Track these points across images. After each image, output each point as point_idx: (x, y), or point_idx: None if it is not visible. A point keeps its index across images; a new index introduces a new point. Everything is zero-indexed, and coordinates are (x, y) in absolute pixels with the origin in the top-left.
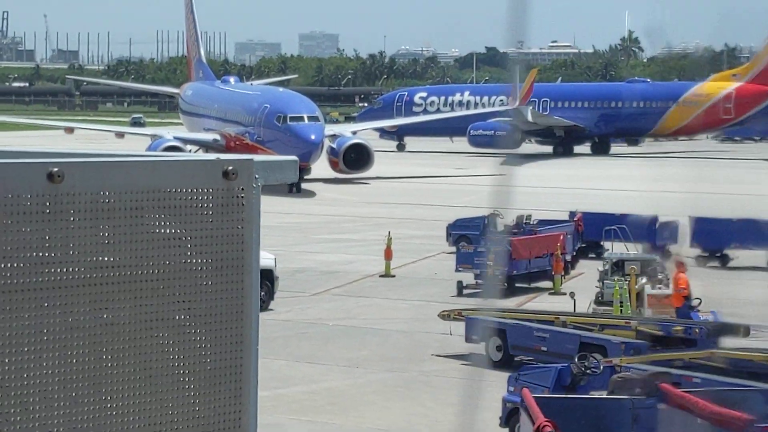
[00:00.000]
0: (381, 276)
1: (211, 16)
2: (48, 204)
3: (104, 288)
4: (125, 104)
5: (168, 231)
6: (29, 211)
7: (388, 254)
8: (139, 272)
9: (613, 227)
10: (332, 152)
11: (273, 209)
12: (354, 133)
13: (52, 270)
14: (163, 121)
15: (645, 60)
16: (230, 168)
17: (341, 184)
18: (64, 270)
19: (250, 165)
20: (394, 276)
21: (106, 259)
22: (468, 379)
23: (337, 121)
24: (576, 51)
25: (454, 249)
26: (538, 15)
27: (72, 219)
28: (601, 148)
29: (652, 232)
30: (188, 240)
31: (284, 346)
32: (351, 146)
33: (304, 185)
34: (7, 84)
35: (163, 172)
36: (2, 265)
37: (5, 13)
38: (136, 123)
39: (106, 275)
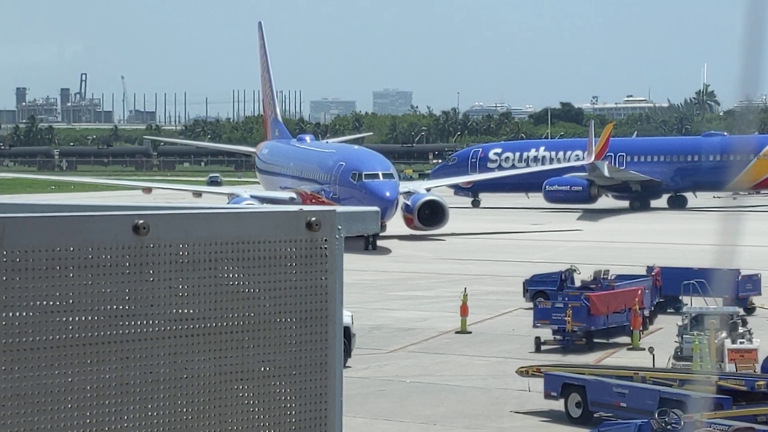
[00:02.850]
0: (457, 332)
1: (287, 76)
2: (133, 256)
3: (186, 340)
4: (202, 164)
5: (251, 282)
6: (113, 263)
7: (464, 310)
8: (222, 324)
9: (691, 281)
10: (407, 209)
11: (349, 266)
12: (428, 189)
13: (135, 322)
14: (240, 180)
15: (721, 113)
16: (313, 219)
17: (416, 240)
18: (147, 322)
19: (332, 216)
20: (470, 332)
21: (188, 311)
22: None
23: (411, 178)
24: (651, 105)
25: (531, 305)
26: (613, 70)
27: (155, 271)
28: (678, 202)
29: (734, 286)
30: (271, 291)
31: (362, 404)
32: (425, 203)
33: (379, 242)
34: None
35: (247, 224)
36: (87, 318)
37: (83, 75)
38: (213, 182)
39: (189, 327)
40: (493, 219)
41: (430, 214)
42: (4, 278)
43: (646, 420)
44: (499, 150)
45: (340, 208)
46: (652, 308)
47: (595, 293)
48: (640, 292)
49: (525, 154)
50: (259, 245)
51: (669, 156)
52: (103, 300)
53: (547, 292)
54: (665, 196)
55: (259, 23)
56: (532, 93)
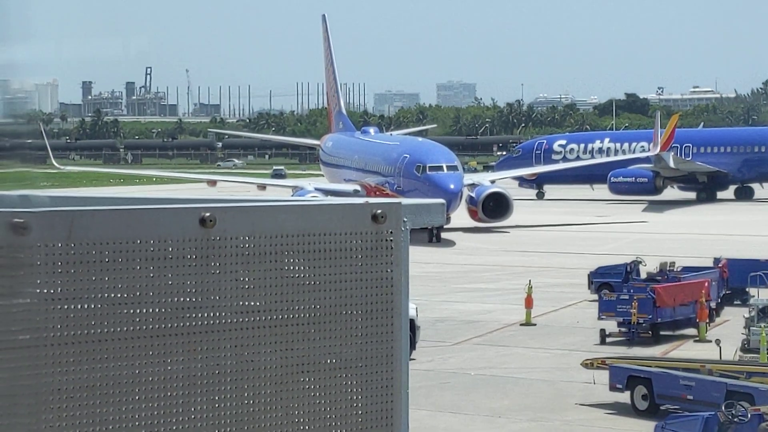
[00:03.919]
0: (522, 325)
1: (350, 68)
2: (199, 248)
3: (252, 332)
4: (266, 156)
5: (317, 274)
6: (180, 256)
7: (528, 303)
8: (288, 316)
9: (759, 273)
10: (471, 201)
11: (413, 258)
12: (492, 181)
13: (201, 314)
14: (303, 172)
15: None
16: (379, 211)
17: (480, 233)
18: (212, 314)
19: (398, 208)
20: (535, 325)
21: (254, 303)
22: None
23: (475, 170)
24: (718, 96)
25: (596, 297)
26: (680, 60)
27: (221, 263)
28: (745, 193)
29: None
30: (337, 283)
31: (427, 396)
32: (490, 195)
33: (443, 234)
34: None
35: (312, 216)
36: (153, 310)
37: (149, 69)
38: (277, 175)
39: (255, 319)
40: (557, 211)
41: (495, 207)
42: (73, 270)
43: (713, 413)
44: (563, 141)
45: (405, 201)
46: (719, 300)
47: (661, 285)
48: (706, 284)
49: (590, 146)
50: (324, 237)
51: (735, 147)
52: (169, 292)
53: (612, 284)
54: (732, 188)
55: (323, 16)
56: (596, 84)
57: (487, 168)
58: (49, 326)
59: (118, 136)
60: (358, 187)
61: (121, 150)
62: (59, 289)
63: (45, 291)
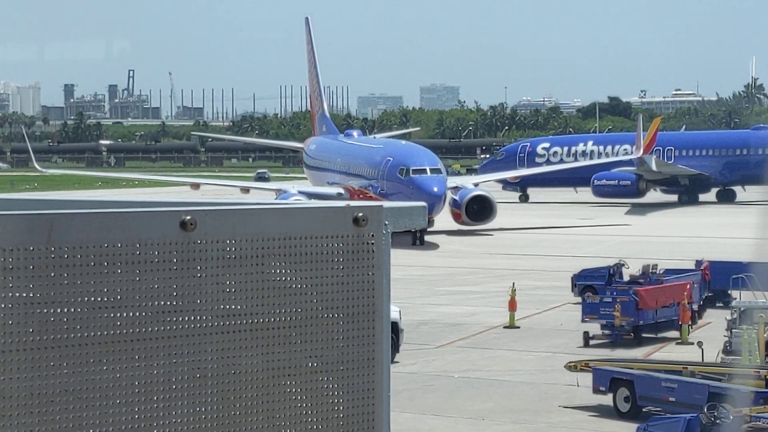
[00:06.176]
0: (505, 327)
1: (334, 71)
2: (180, 252)
3: (234, 336)
4: (250, 159)
5: (298, 278)
6: (160, 259)
7: (512, 305)
8: (269, 320)
9: (741, 276)
10: (455, 204)
11: (397, 261)
12: (476, 184)
13: (182, 318)
14: (287, 175)
15: None
16: (360, 214)
17: (464, 235)
18: (194, 318)
19: (379, 211)
20: (518, 327)
21: (235, 307)
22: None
23: (458, 173)
24: (699, 99)
25: (579, 299)
26: (662, 63)
27: (202, 267)
28: (727, 196)
29: None
30: (318, 287)
31: (410, 399)
32: (473, 198)
33: (427, 237)
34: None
35: (294, 220)
36: (134, 314)
37: (131, 72)
38: (260, 178)
39: (236, 323)
40: (541, 214)
41: (478, 210)
42: (52, 274)
43: (695, 414)
44: (547, 144)
45: (386, 204)
46: (701, 302)
47: (643, 288)
48: (689, 286)
49: (573, 149)
50: (305, 241)
51: (717, 150)
52: (150, 296)
53: (595, 286)
54: (714, 190)
55: (306, 19)
56: (579, 87)
57: (470, 171)
58: (27, 330)
59: (101, 139)
60: (341, 190)
61: (103, 153)
62: (38, 292)
63: (24, 295)
